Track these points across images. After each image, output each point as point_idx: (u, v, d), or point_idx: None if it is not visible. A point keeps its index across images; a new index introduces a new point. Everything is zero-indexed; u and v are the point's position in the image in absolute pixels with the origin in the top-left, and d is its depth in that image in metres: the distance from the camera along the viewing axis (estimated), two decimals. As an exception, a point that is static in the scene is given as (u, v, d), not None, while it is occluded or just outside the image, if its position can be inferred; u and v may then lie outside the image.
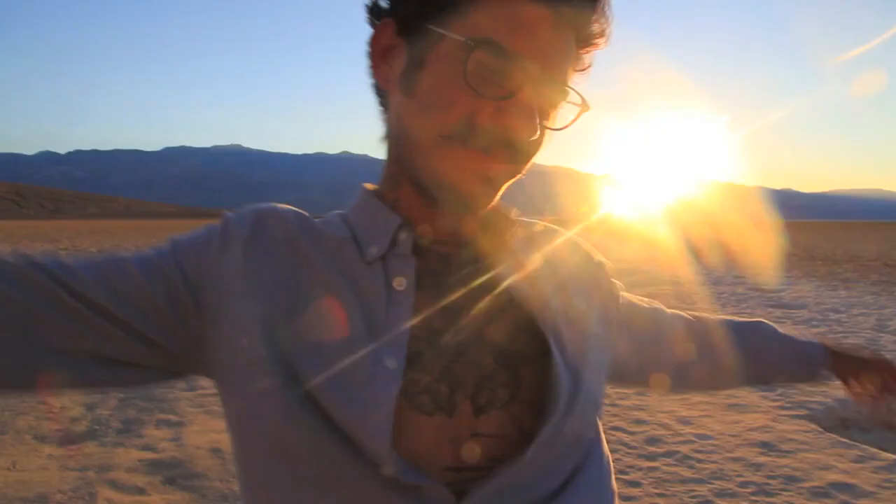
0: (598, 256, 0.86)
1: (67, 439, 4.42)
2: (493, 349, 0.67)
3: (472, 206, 0.68)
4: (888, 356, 0.99)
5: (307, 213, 0.75)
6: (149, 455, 4.05)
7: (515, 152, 0.65)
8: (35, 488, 3.65)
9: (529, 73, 0.62)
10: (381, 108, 0.74)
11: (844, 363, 0.98)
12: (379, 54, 0.70)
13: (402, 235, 0.70)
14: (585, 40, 0.68)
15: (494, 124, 0.63)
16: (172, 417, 4.80)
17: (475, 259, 0.72)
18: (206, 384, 5.70)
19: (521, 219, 0.79)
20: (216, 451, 4.08)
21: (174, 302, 0.65)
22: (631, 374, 0.91)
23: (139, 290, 0.64)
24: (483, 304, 0.69)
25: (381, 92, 0.73)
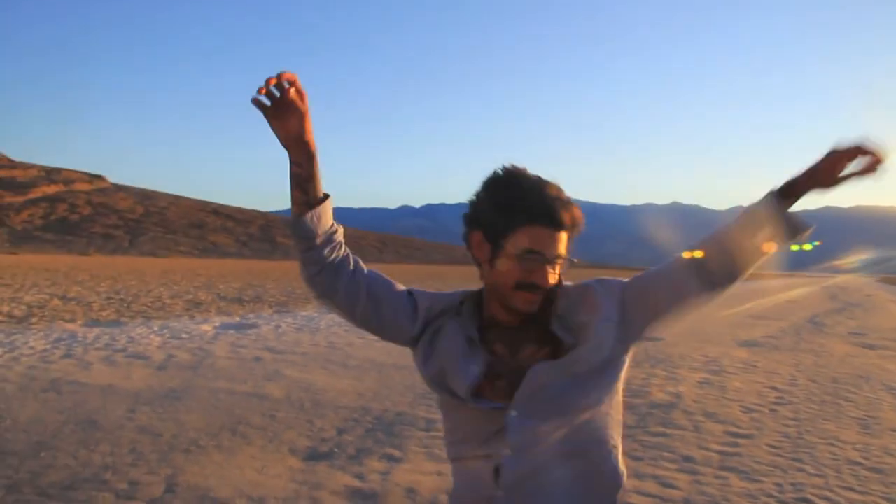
0: (584, 283, 1.44)
1: (311, 456, 4.97)
2: (524, 363, 1.38)
3: (526, 313, 1.39)
4: None
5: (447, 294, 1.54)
6: (355, 483, 4.34)
7: (539, 289, 1.36)
8: (260, 490, 4.17)
9: (546, 257, 1.35)
10: (478, 265, 1.45)
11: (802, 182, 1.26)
12: (475, 244, 1.42)
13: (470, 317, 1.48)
14: (570, 231, 1.39)
15: (528, 279, 1.36)
16: (396, 453, 5.07)
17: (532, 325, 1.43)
18: (440, 428, 5.93)
19: (565, 285, 1.46)
20: (410, 492, 4.21)
21: (407, 313, 1.51)
22: (664, 306, 1.39)
23: (396, 295, 1.53)
24: (522, 345, 1.42)
25: (477, 259, 1.44)
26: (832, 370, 9.88)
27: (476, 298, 1.49)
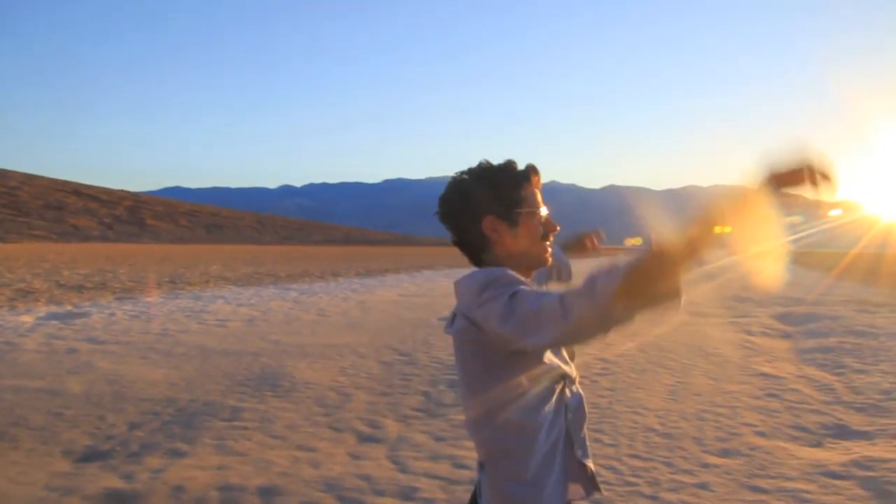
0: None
1: (85, 457, 4.49)
2: None
3: (546, 263, 1.63)
4: None
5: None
6: (118, 485, 3.93)
7: (555, 232, 1.63)
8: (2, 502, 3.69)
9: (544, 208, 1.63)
10: (488, 248, 1.56)
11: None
12: (490, 227, 1.53)
13: None
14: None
15: (547, 230, 1.61)
16: (184, 447, 4.70)
17: None
18: (245, 417, 5.60)
19: None
20: (178, 490, 3.86)
21: None
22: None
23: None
24: None
25: (491, 241, 1.55)
26: (662, 339, 10.38)
27: None
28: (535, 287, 1.39)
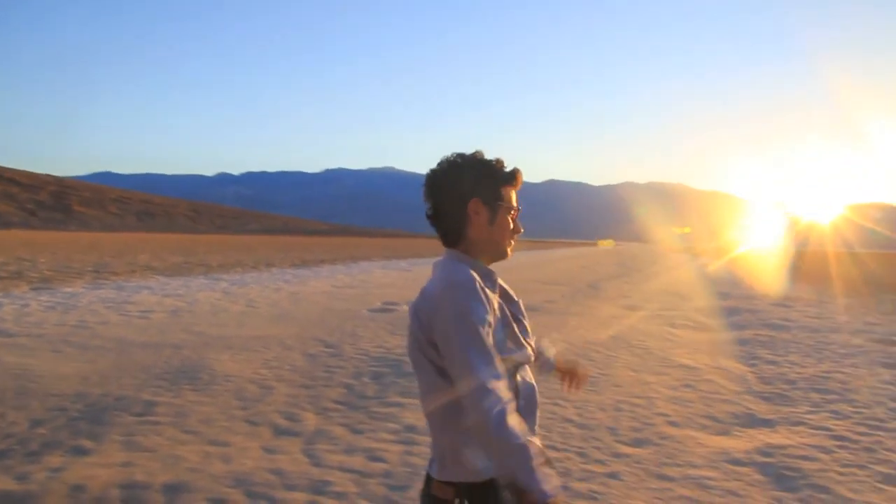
0: None
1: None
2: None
3: (508, 257, 1.80)
4: None
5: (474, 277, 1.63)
6: (10, 486, 3.75)
7: (519, 233, 1.82)
8: None
9: (518, 210, 1.79)
10: (465, 230, 1.71)
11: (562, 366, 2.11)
12: (474, 210, 1.69)
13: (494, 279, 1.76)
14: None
15: (515, 229, 1.78)
16: (88, 444, 4.51)
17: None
18: (158, 412, 5.44)
19: None
20: (76, 489, 3.71)
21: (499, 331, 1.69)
22: None
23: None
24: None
25: (472, 223, 1.70)
26: (590, 331, 10.60)
27: (477, 265, 1.72)
28: (492, 318, 1.59)
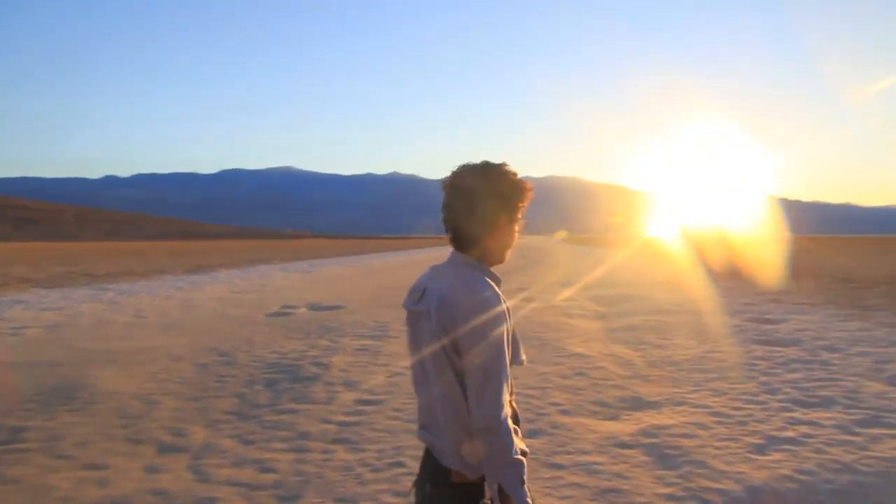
0: None
1: None
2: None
3: (502, 262, 1.89)
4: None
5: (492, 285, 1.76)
6: None
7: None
8: None
9: None
10: (480, 232, 1.78)
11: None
12: (505, 220, 1.79)
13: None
14: None
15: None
16: None
17: None
18: (28, 438, 5.05)
19: None
20: None
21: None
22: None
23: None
24: None
25: (495, 233, 1.80)
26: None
27: (491, 273, 1.83)
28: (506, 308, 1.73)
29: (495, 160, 1.81)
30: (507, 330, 1.69)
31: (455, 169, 1.81)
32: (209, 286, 19.33)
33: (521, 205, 1.82)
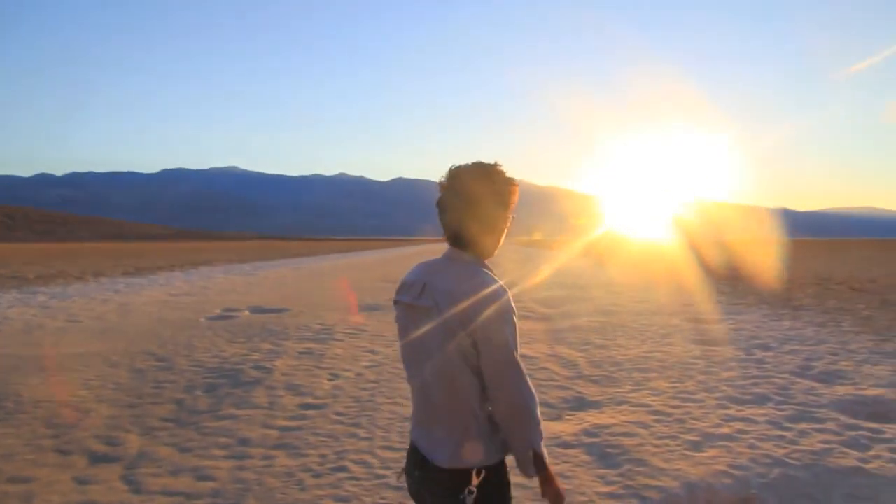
0: None
1: None
2: None
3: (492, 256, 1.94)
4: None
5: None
6: None
7: None
8: None
9: None
10: (480, 231, 1.84)
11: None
12: (502, 221, 1.88)
13: None
14: None
15: None
16: None
17: None
18: None
19: None
20: None
21: None
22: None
23: None
24: None
25: (494, 224, 1.86)
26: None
27: (491, 269, 1.91)
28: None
29: (464, 160, 1.95)
30: (515, 319, 1.78)
31: (451, 170, 1.85)
32: (148, 289, 18.76)
33: (513, 203, 1.89)
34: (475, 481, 1.75)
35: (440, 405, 1.79)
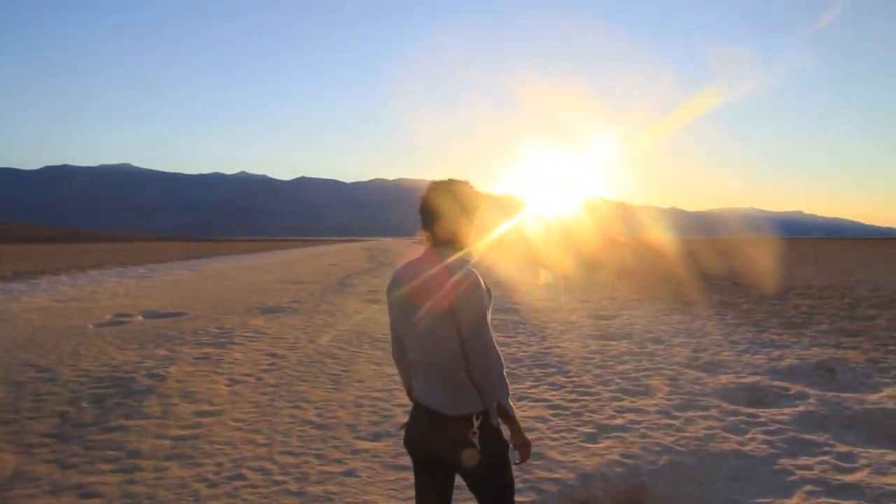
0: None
1: None
2: None
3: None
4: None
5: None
6: None
7: None
8: None
9: None
10: (461, 232, 2.36)
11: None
12: (475, 223, 2.43)
13: None
14: None
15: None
16: None
17: None
18: None
19: None
20: None
21: None
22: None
23: None
24: None
25: (469, 227, 2.39)
26: (335, 328, 10.63)
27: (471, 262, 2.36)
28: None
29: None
30: (484, 287, 2.25)
31: (435, 185, 2.34)
32: (27, 295, 17.48)
33: (481, 209, 2.43)
34: (476, 424, 2.19)
35: (439, 371, 2.24)
